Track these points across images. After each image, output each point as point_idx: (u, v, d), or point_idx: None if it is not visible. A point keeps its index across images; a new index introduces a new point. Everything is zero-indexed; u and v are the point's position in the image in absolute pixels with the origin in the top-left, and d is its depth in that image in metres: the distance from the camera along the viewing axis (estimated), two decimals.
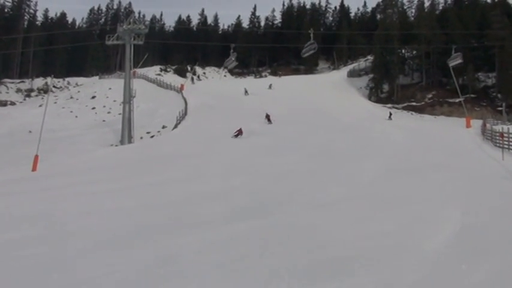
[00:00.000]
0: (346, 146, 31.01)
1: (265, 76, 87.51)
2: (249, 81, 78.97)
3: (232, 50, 43.81)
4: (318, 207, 14.96)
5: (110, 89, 65.26)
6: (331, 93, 63.82)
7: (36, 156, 27.29)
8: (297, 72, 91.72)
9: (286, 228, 12.37)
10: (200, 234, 11.87)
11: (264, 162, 25.13)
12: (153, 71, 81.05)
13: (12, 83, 76.18)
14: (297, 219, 13.52)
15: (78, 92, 69.50)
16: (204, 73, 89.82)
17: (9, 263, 9.84)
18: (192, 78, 68.88)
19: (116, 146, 40.19)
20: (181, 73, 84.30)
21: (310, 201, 15.98)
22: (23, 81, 77.09)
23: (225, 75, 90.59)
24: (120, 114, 45.87)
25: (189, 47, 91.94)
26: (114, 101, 58.42)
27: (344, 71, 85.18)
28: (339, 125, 41.85)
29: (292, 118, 45.48)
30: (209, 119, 44.43)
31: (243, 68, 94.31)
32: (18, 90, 74.28)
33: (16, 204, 16.25)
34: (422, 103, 66.75)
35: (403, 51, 77.90)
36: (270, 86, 67.22)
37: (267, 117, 42.40)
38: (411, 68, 77.90)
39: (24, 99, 71.51)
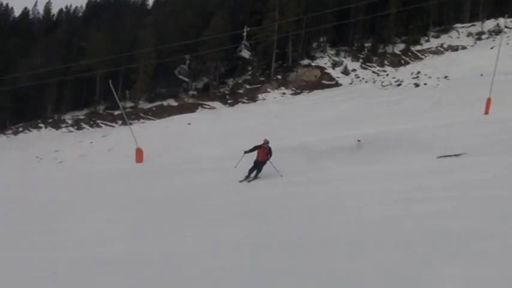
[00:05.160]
0: None
1: None
2: None
3: None
4: None
5: None
6: None
7: (489, 99, 27.66)
8: None
9: None
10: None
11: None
12: None
13: (463, 27, 77.51)
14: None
15: None
16: None
17: None
18: None
19: None
20: None
21: None
22: (473, 25, 77.36)
23: None
24: None
25: None
26: None
27: None
28: None
29: None
30: None
31: None
32: (469, 34, 75.18)
33: None
34: None
35: None
36: None
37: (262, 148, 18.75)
38: None
39: (475, 43, 71.85)
